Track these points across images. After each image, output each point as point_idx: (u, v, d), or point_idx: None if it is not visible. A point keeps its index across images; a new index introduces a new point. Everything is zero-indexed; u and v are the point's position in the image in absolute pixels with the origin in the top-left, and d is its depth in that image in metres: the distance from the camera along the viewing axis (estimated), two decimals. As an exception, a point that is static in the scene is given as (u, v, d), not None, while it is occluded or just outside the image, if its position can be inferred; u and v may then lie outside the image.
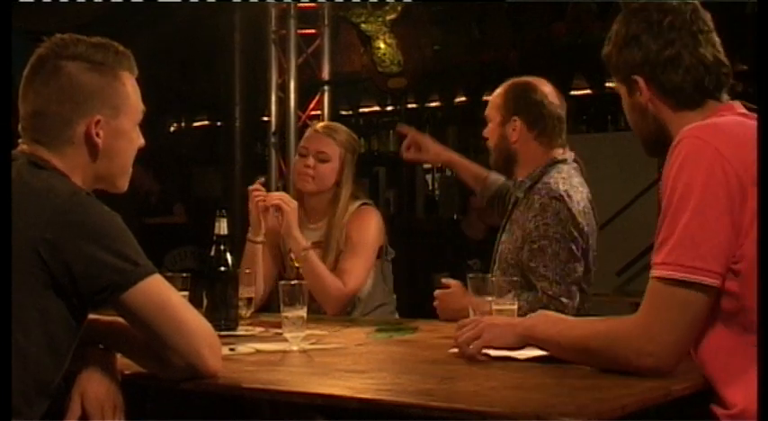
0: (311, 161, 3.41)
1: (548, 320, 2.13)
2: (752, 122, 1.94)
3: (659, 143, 1.99)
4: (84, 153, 1.95)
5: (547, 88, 3.15)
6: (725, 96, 2.03)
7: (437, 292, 3.09)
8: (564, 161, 3.10)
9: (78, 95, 1.93)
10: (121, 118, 1.99)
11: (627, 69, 2.06)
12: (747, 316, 1.80)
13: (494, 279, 2.58)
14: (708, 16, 2.05)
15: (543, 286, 2.94)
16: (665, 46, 2.00)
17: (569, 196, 2.96)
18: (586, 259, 2.99)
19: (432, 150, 3.60)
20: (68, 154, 1.94)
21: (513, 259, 3.03)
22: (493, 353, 2.19)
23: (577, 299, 2.97)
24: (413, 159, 3.67)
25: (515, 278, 2.88)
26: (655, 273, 1.85)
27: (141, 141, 2.07)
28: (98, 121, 1.94)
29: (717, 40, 2.03)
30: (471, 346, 2.15)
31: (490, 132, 3.20)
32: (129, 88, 2.01)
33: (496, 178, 3.50)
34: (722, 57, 2.03)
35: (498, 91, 3.19)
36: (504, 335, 2.14)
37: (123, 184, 2.06)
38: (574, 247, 2.94)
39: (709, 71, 2.00)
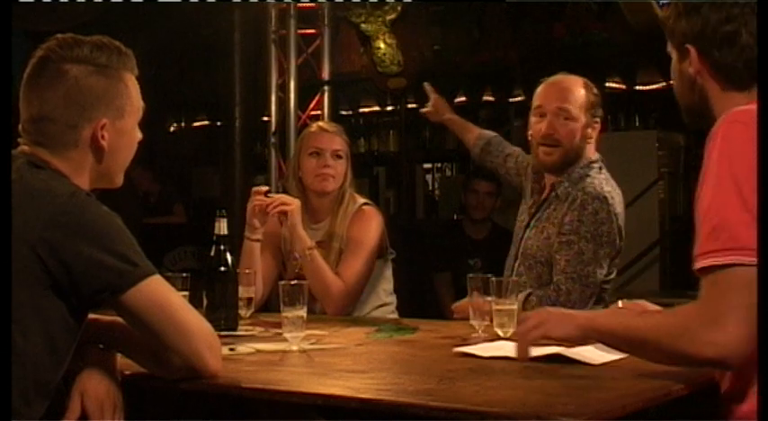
0: (330, 161, 3.43)
1: (611, 311, 2.06)
2: None
3: (700, 116, 1.93)
4: (88, 155, 1.96)
5: None
6: None
7: (455, 305, 3.07)
8: (597, 161, 3.10)
9: (84, 100, 1.93)
10: (125, 118, 2.00)
11: (682, 37, 1.98)
12: None
13: (493, 280, 2.58)
14: None
15: (559, 280, 2.94)
16: (725, 21, 1.92)
17: (612, 198, 2.97)
18: (613, 262, 3.00)
19: (444, 115, 3.87)
20: (72, 156, 1.94)
21: (542, 256, 3.03)
22: (484, 353, 2.20)
23: (590, 304, 2.95)
24: (428, 116, 3.93)
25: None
26: (702, 263, 1.73)
27: (140, 135, 2.08)
28: (104, 125, 1.95)
29: None
30: (530, 335, 2.03)
31: (571, 131, 3.07)
32: (132, 88, 2.02)
33: (487, 133, 3.69)
34: None
35: (579, 89, 3.10)
36: (565, 326, 1.99)
37: (120, 180, 2.07)
38: (601, 251, 2.93)
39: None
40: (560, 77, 3.15)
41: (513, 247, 3.21)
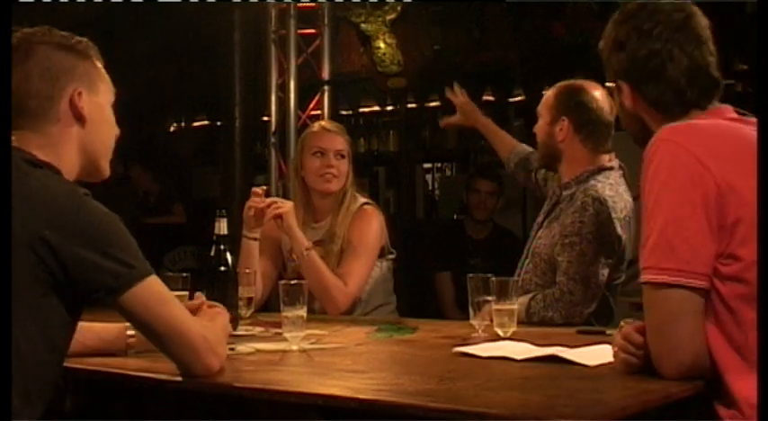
0: (333, 160, 3.43)
1: None
2: (737, 125, 1.95)
3: (646, 140, 1.98)
4: (70, 129, 1.95)
5: (597, 93, 3.17)
6: (713, 104, 2.01)
7: None
8: (611, 168, 3.13)
9: (57, 71, 1.94)
10: (100, 95, 2.01)
11: (614, 74, 2.08)
12: (741, 327, 1.81)
13: (493, 279, 2.59)
14: (704, 23, 2.02)
15: (561, 281, 2.97)
16: (649, 57, 1.99)
17: (614, 202, 3.00)
18: (618, 267, 3.03)
19: (471, 117, 3.75)
20: (54, 134, 1.93)
21: (546, 255, 3.06)
22: (484, 353, 2.20)
23: (591, 304, 2.96)
24: (456, 123, 3.82)
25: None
26: (641, 278, 1.87)
27: (117, 130, 2.09)
28: (80, 93, 1.95)
29: (711, 48, 2.00)
30: None
31: (539, 129, 3.25)
32: (103, 71, 2.04)
33: (524, 148, 3.64)
34: (711, 68, 2.00)
35: (551, 90, 3.24)
36: None
37: (106, 167, 2.06)
38: (602, 252, 2.96)
39: (693, 84, 1.98)
40: None
41: (526, 247, 3.24)
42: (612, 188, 3.05)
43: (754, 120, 1.97)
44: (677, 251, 1.81)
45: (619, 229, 2.99)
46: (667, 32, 1.99)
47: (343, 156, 3.46)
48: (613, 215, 2.98)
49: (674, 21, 2.00)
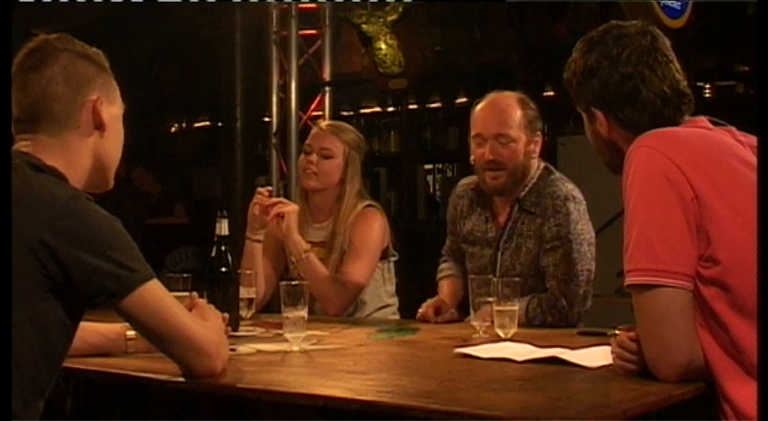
0: (314, 158, 3.43)
1: None
2: (711, 133, 1.97)
3: (620, 166, 1.99)
4: (88, 137, 1.95)
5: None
6: (687, 117, 2.04)
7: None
8: (546, 167, 3.13)
9: (81, 77, 1.94)
10: (115, 106, 2.02)
11: (586, 102, 2.09)
12: (728, 333, 1.81)
13: (495, 280, 2.59)
14: (667, 43, 2.05)
15: (552, 285, 2.95)
16: (622, 82, 2.01)
17: (575, 196, 3.01)
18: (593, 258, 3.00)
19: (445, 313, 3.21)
20: (71, 141, 1.93)
21: (532, 270, 3.02)
22: (485, 354, 2.20)
23: (586, 303, 2.95)
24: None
25: (516, 279, 2.88)
26: (625, 282, 1.87)
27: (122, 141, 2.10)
28: (101, 101, 1.96)
29: (677, 66, 2.03)
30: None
31: (513, 153, 3.07)
32: (115, 83, 2.04)
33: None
34: (682, 85, 2.03)
35: (515, 110, 3.10)
36: None
37: (112, 178, 2.05)
38: (582, 248, 2.96)
39: (668, 103, 2.01)
40: (495, 99, 3.15)
41: (475, 280, 2.82)
42: (566, 181, 3.06)
43: (731, 128, 2.01)
44: (658, 252, 1.81)
45: (588, 219, 3.00)
46: (636, 56, 2.01)
47: (328, 156, 3.44)
48: (582, 208, 3.00)
49: (641, 44, 2.02)
